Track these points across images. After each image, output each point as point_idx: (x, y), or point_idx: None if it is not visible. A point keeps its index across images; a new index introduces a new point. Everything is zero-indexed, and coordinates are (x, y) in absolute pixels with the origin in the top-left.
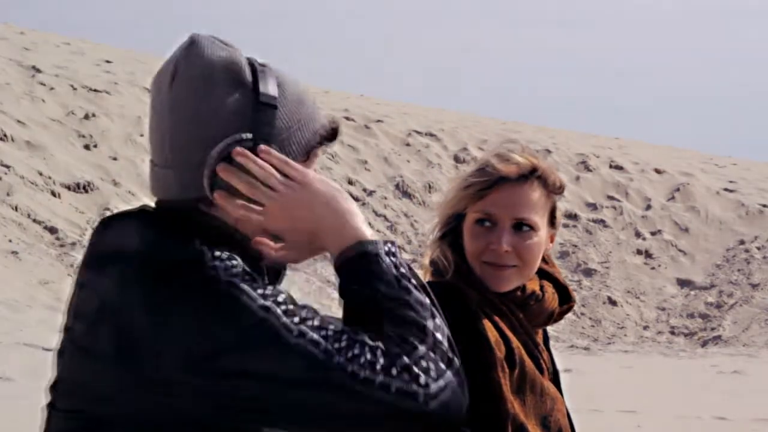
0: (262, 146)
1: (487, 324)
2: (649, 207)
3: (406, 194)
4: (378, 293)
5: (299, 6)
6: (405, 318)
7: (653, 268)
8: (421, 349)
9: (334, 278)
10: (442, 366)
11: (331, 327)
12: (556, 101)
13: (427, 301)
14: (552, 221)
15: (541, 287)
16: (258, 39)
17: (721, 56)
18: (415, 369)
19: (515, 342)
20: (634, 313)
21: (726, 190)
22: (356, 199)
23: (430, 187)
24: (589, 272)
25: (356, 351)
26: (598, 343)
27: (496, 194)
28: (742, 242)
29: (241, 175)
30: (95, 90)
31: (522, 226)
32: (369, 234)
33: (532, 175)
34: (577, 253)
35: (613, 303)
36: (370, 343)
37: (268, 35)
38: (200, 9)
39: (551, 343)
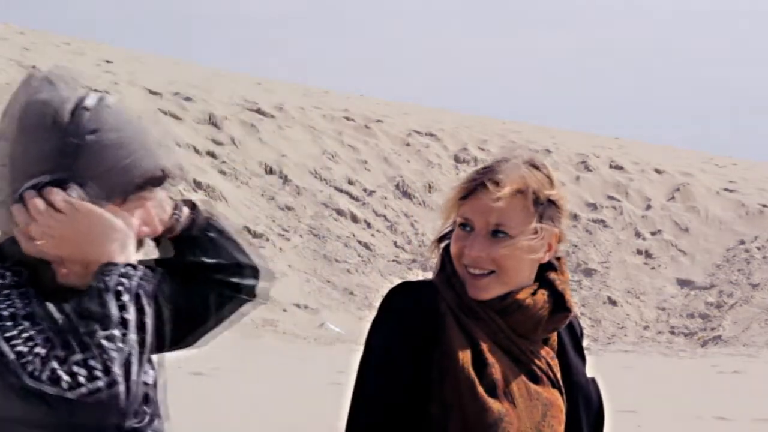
0: (49, 189)
1: (451, 325)
2: (649, 207)
3: (406, 194)
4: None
5: (300, 6)
6: None
7: (653, 268)
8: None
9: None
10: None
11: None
12: (556, 101)
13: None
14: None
15: (533, 294)
16: (258, 39)
17: (721, 56)
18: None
19: (487, 345)
20: (634, 313)
21: (726, 190)
22: (356, 199)
23: (430, 187)
24: (589, 272)
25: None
26: (598, 343)
27: (474, 200)
28: (742, 242)
29: (24, 215)
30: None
31: (498, 233)
32: (118, 259)
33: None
34: (577, 253)
35: (613, 303)
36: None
37: (269, 35)
38: (201, 9)
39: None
